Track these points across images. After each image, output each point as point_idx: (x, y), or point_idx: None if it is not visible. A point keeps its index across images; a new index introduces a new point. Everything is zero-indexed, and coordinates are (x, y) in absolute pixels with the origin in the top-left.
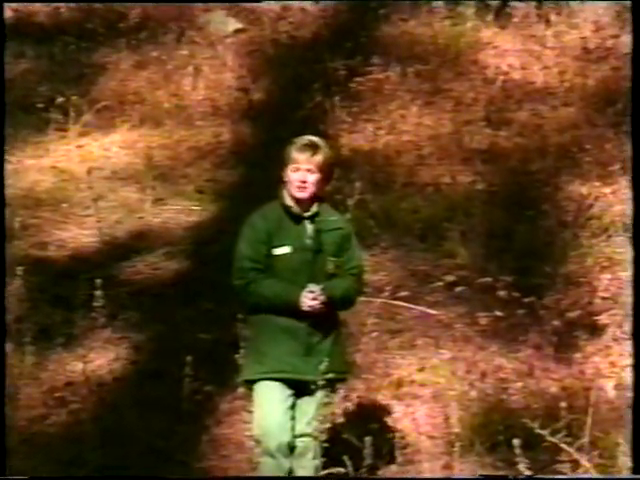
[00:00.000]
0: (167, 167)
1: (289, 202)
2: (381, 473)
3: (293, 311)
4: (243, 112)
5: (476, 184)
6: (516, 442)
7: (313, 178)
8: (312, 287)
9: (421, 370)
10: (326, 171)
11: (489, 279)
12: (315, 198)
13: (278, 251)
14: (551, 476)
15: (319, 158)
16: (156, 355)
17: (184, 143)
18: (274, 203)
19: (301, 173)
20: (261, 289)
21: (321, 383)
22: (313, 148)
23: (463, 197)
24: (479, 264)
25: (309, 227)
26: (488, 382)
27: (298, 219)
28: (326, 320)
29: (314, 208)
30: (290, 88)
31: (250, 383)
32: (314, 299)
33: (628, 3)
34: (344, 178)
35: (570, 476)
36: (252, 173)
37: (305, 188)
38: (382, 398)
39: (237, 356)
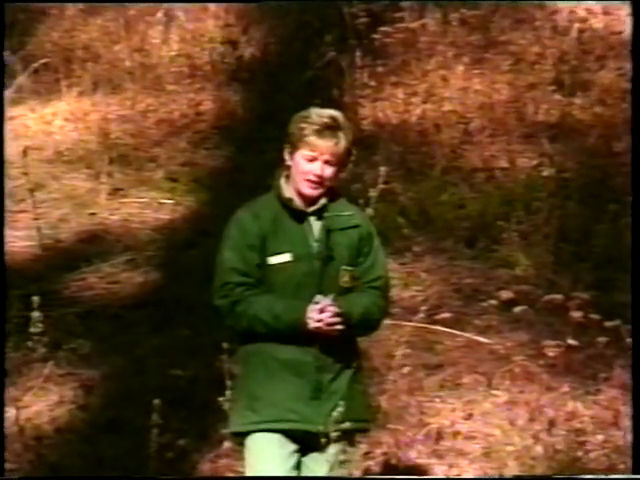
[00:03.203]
0: (129, 147)
1: (289, 193)
2: None
3: (298, 337)
4: (230, 73)
5: (542, 169)
6: None
7: (331, 172)
8: (319, 298)
9: (468, 418)
10: (344, 159)
11: (559, 296)
12: (325, 190)
13: (275, 260)
14: (553, 475)
15: (343, 147)
16: (114, 398)
17: (151, 114)
18: (268, 196)
19: (318, 165)
20: (253, 309)
21: (335, 435)
22: (337, 131)
23: (524, 187)
24: (545, 276)
25: (315, 226)
26: (558, 434)
27: (301, 216)
28: (341, 350)
29: (322, 201)
30: (293, 41)
31: (240, 436)
32: (322, 311)
33: (628, 3)
34: (365, 161)
35: (571, 476)
36: (242, 155)
37: (320, 184)
38: (416, 455)
39: (222, 400)
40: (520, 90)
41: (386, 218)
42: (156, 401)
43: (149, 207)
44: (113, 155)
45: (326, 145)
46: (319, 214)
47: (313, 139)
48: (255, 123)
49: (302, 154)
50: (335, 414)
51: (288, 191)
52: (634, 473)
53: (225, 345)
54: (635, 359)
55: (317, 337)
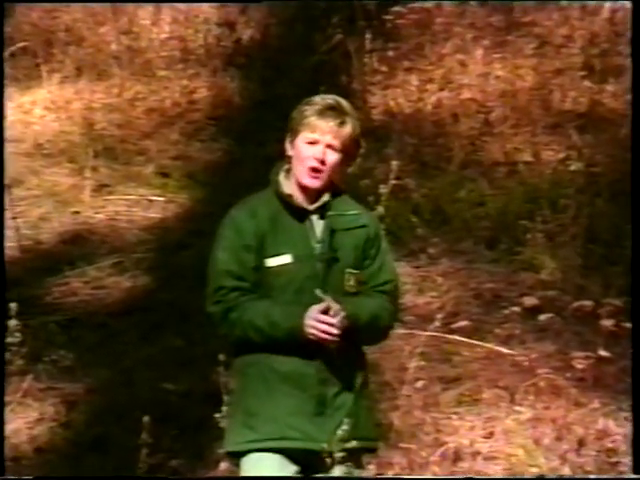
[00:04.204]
0: (115, 138)
1: (289, 189)
2: None
3: (298, 346)
4: (227, 58)
5: (569, 163)
6: None
7: (334, 159)
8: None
9: (489, 436)
10: (351, 150)
11: (588, 303)
12: (329, 185)
13: (273, 261)
14: (550, 476)
15: (348, 131)
16: (99, 414)
17: (140, 103)
18: (266, 192)
19: (319, 149)
20: (248, 316)
21: (340, 455)
22: (341, 114)
23: (550, 182)
24: (573, 281)
25: (318, 225)
26: (588, 454)
27: (302, 214)
28: (347, 362)
29: (325, 197)
30: (296, 23)
31: (237, 456)
32: (323, 320)
33: (628, 3)
34: (376, 155)
35: (570, 476)
36: (240, 148)
37: (320, 172)
38: (432, 477)
39: (218, 416)
40: (546, 76)
41: (398, 217)
42: (145, 418)
43: (138, 205)
44: (98, 148)
45: (328, 125)
46: (322, 212)
47: (313, 119)
48: (254, 112)
49: (303, 137)
50: (340, 432)
51: (288, 187)
52: (634, 473)
53: (221, 356)
54: (635, 359)
55: (318, 346)
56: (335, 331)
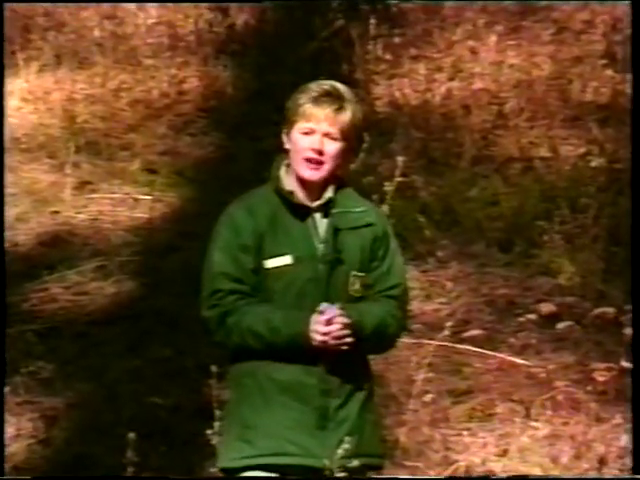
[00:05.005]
0: (98, 132)
1: (289, 186)
2: None
3: (299, 353)
4: (219, 45)
5: (590, 159)
6: None
7: (334, 148)
8: (325, 306)
9: (503, 454)
10: (352, 138)
11: (610, 310)
12: (332, 179)
13: (273, 263)
14: (546, 476)
15: (347, 117)
16: (81, 431)
17: (125, 94)
18: (265, 189)
19: (316, 138)
20: (247, 321)
21: (342, 475)
22: (338, 100)
23: (569, 179)
24: (594, 286)
25: (321, 224)
26: (609, 472)
27: (304, 212)
28: (351, 371)
29: (328, 193)
30: (294, 7)
31: (231, 473)
32: (329, 323)
33: (628, 3)
34: (380, 150)
35: (568, 476)
36: (233, 142)
37: (320, 163)
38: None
39: (209, 432)
40: (564, 65)
41: (404, 217)
42: (131, 435)
43: (123, 204)
44: (80, 142)
45: (324, 112)
46: (325, 210)
47: (309, 107)
48: (248, 104)
49: (298, 128)
50: (343, 447)
51: (289, 183)
52: (634, 473)
53: (213, 368)
54: (635, 359)
55: (322, 354)
56: (347, 332)
